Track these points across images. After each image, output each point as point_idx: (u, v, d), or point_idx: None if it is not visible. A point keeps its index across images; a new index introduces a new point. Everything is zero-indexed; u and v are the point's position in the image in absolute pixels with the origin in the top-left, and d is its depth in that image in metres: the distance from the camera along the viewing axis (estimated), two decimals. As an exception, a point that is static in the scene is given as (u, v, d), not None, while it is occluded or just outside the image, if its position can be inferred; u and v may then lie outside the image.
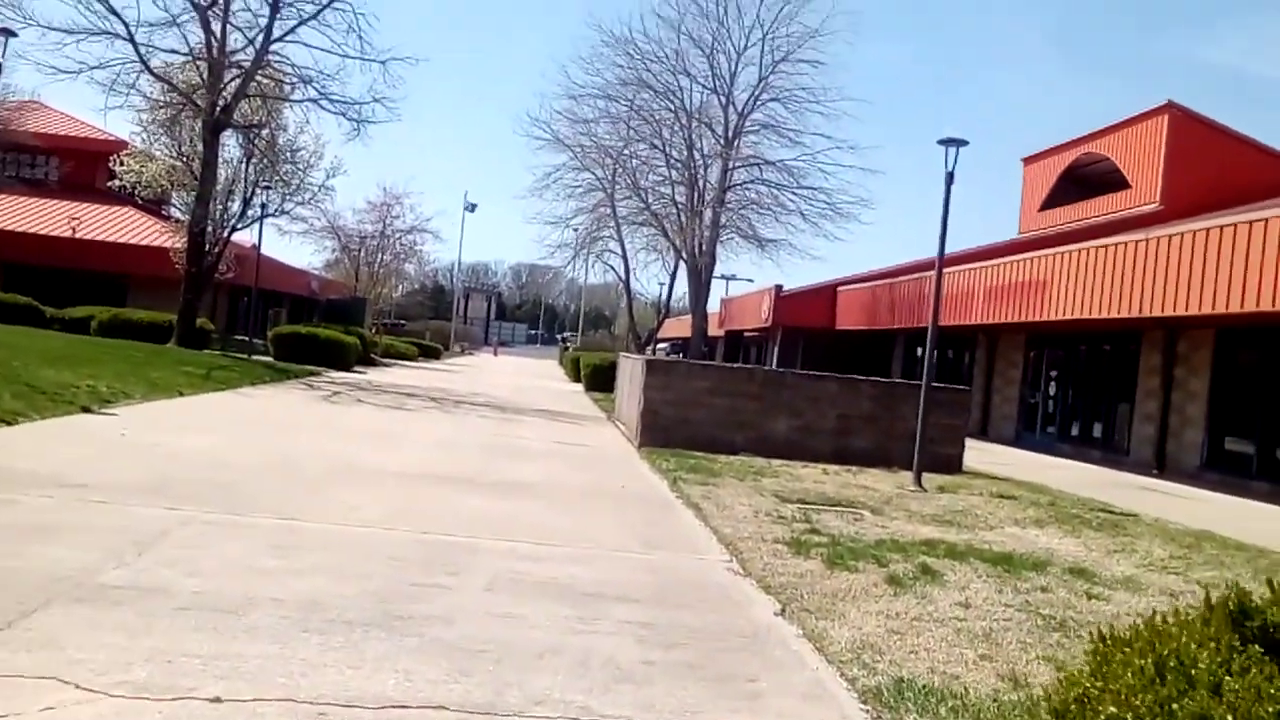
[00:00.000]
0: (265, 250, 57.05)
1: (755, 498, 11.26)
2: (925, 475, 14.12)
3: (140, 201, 33.12)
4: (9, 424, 11.04)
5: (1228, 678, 1.81)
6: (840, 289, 37.06)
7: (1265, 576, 8.85)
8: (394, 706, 4.04)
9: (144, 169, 32.47)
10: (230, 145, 34.22)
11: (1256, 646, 1.94)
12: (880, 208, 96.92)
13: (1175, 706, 1.76)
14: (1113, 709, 1.85)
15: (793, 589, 6.82)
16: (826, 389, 16.75)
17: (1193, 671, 1.83)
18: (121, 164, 33.57)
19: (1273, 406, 18.79)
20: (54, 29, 25.16)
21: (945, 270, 28.90)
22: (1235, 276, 16.29)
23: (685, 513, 10.11)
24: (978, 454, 18.39)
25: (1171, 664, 1.88)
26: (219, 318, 40.38)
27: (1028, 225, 36.92)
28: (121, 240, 41.35)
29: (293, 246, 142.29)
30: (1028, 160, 38.15)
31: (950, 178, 14.06)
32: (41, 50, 36.32)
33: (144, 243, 39.15)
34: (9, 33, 13.80)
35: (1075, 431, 25.33)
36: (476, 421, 18.23)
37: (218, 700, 3.90)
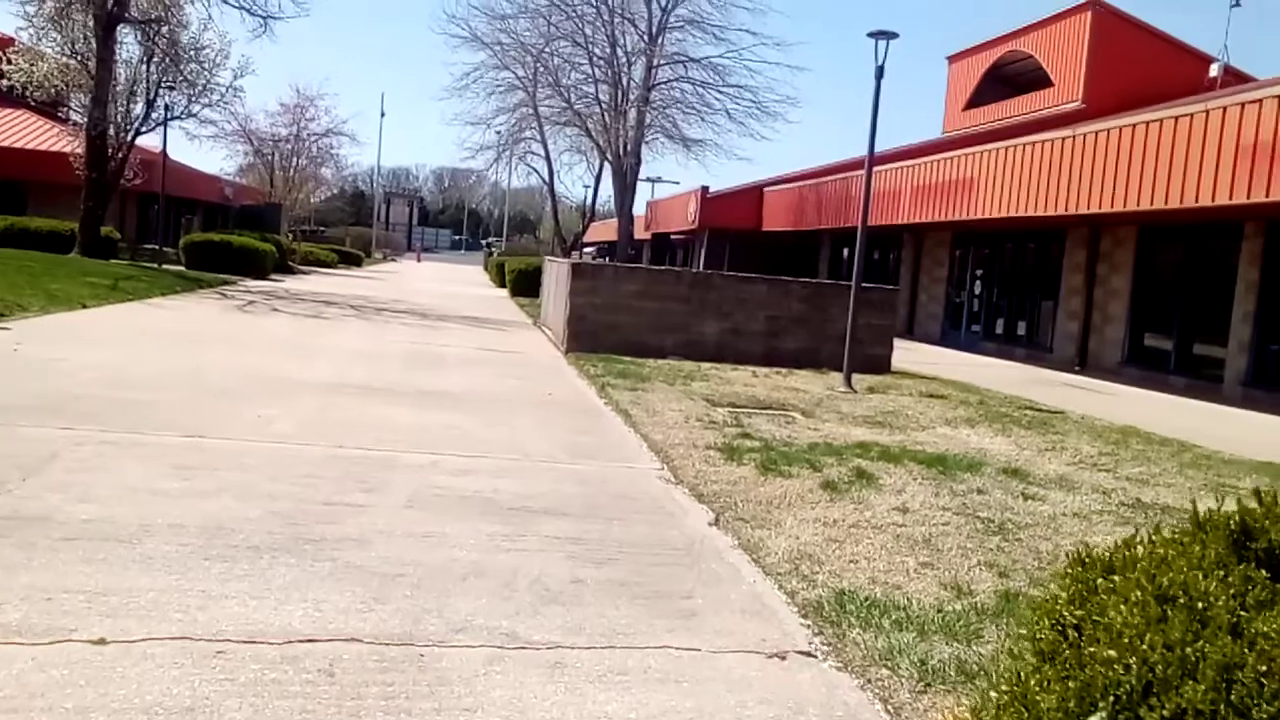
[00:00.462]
0: (176, 156, 55.09)
1: (685, 402, 11.05)
2: (855, 376, 14.04)
3: (33, 103, 31.23)
4: (-110, 341, 10.32)
5: (1243, 613, 1.57)
6: (767, 190, 36.73)
7: (1190, 471, 8.91)
8: (301, 640, 3.72)
9: (34, 68, 30.56)
10: (130, 44, 32.48)
11: (1263, 572, 1.70)
12: (808, 106, 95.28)
13: (1190, 652, 1.51)
14: (1111, 653, 1.60)
15: (726, 497, 6.61)
16: (755, 291, 16.52)
17: (1203, 607, 1.58)
18: (9, 62, 31.60)
19: (1191, 303, 19.06)
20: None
21: (873, 170, 28.74)
22: (1159, 174, 16.28)
23: (614, 420, 9.85)
24: (905, 353, 18.40)
25: (1178, 598, 1.63)
26: (128, 227, 38.80)
27: (952, 124, 36.77)
28: (16, 145, 39.27)
29: (204, 152, 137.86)
30: (952, 58, 37.82)
31: (880, 72, 13.70)
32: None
33: (41, 147, 37.19)
34: None
35: (1000, 330, 25.57)
36: (398, 330, 17.71)
37: (102, 642, 3.54)
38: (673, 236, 49.24)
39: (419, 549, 5.02)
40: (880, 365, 16.21)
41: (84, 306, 15.52)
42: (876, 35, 13.54)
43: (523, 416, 9.54)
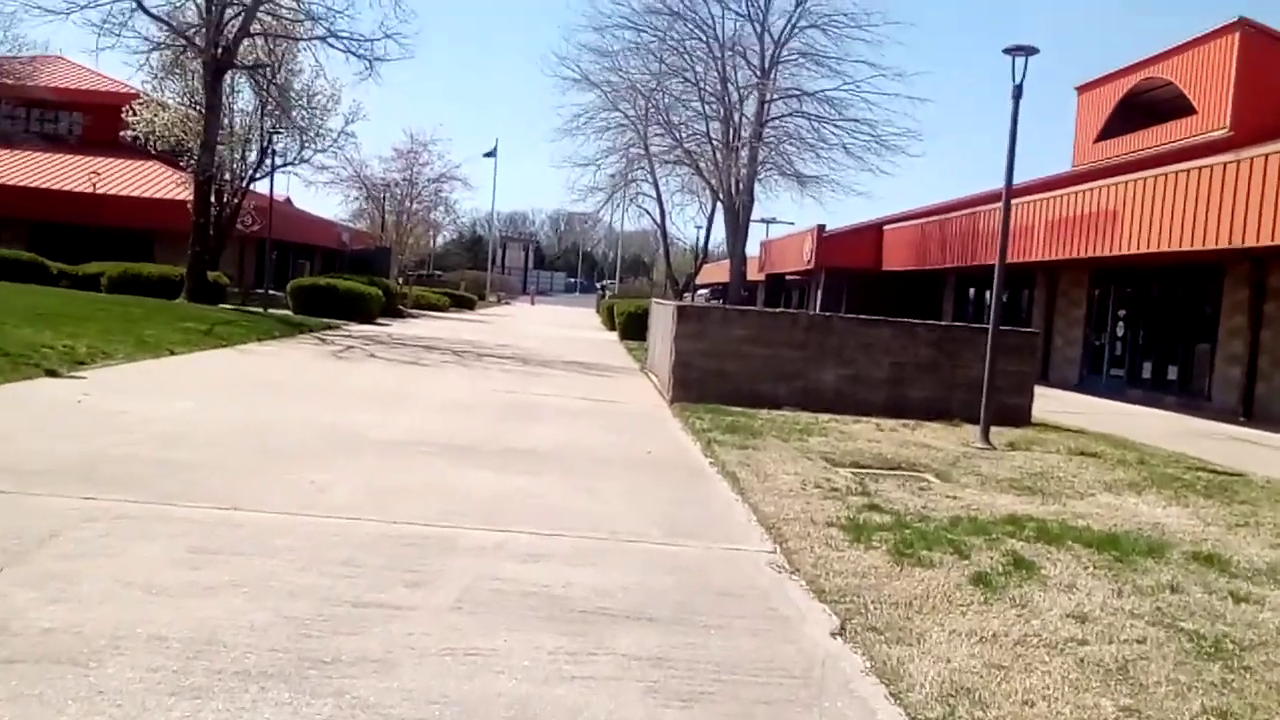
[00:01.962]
0: (298, 203, 56.24)
1: (801, 462, 9.75)
2: (992, 429, 12.52)
3: (155, 152, 31.78)
4: (-48, 392, 9.76)
5: None
6: (886, 227, 35.13)
7: None
8: None
9: (156, 118, 31.15)
10: (245, 93, 32.90)
11: None
12: (929, 139, 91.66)
13: None
14: None
15: (854, 595, 5.32)
16: (878, 334, 15.12)
17: None
18: (134, 114, 32.28)
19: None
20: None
21: (993, 206, 27.03)
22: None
23: (720, 484, 8.61)
24: (1042, 401, 16.68)
25: None
26: (246, 272, 39.28)
27: (1084, 157, 34.63)
28: (143, 195, 40.28)
29: (319, 197, 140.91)
30: (1082, 89, 35.72)
31: (1018, 91, 12.28)
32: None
33: (165, 196, 37.99)
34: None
35: (1146, 375, 23.46)
36: (496, 377, 16.80)
37: None
38: (787, 277, 47.85)
39: (455, 676, 3.88)
40: (1019, 416, 14.61)
41: (171, 353, 15.02)
42: (1014, 51, 12.15)
43: (615, 480, 8.39)
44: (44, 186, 41.40)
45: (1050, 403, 18.06)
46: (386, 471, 7.97)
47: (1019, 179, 34.17)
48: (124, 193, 40.76)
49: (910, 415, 14.44)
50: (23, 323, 14.79)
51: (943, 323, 16.87)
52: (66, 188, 41.10)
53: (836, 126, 31.70)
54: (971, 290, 32.35)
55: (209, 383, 12.66)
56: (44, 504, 5.99)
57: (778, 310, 19.81)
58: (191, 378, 12.88)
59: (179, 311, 20.55)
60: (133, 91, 36.70)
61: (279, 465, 7.81)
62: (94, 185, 40.12)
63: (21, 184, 41.37)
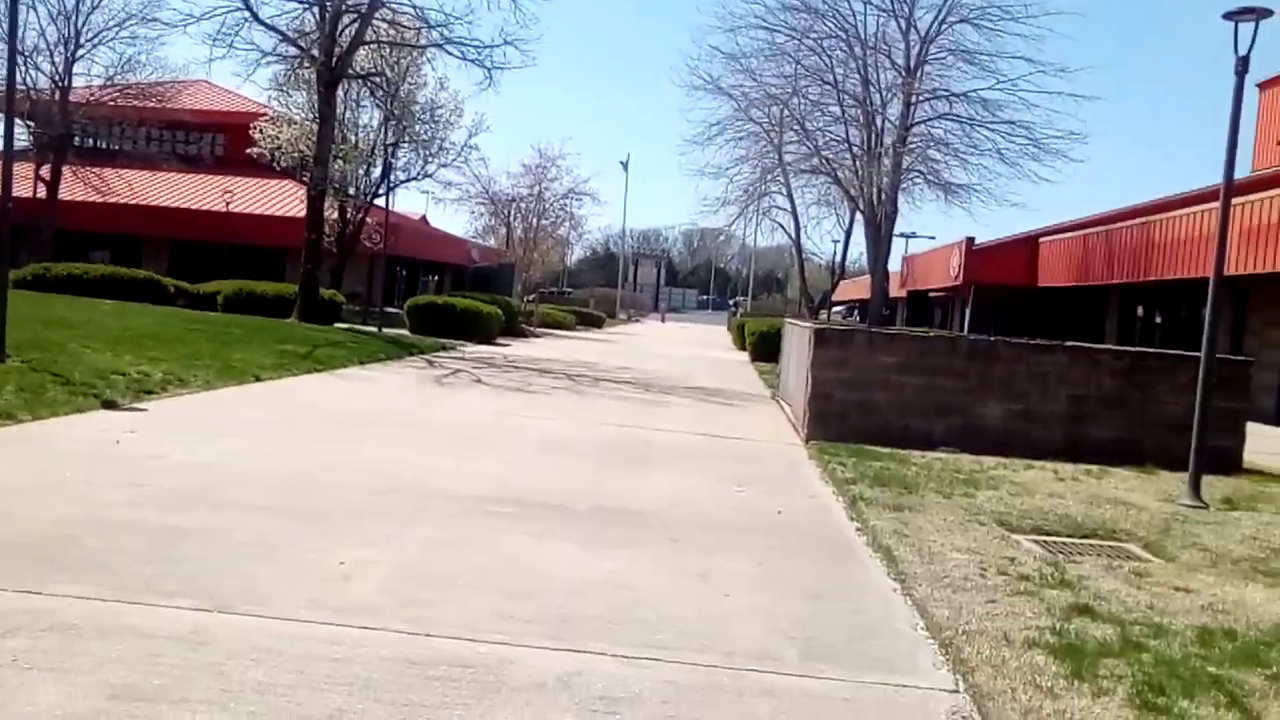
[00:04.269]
0: (434, 221, 56.15)
1: (972, 529, 7.72)
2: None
3: (279, 169, 31.40)
4: (-21, 429, 8.54)
5: None
6: (1043, 240, 32.28)
7: None
8: None
9: (280, 134, 30.75)
10: (369, 108, 32.34)
11: None
12: (1095, 141, 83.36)
13: None
14: None
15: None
16: (1054, 362, 12.84)
17: None
18: (260, 131, 32.01)
19: None
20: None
21: (1177, 212, 24.08)
22: None
23: (872, 566, 6.65)
24: (1251, 442, 14.07)
25: None
26: (374, 289, 38.70)
27: (1266, 160, 31.14)
28: (272, 212, 40.34)
29: (449, 214, 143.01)
30: (1264, 85, 32.19)
31: (1243, 64, 9.94)
32: (137, 1, 35.44)
33: (293, 214, 37.81)
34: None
35: (1361, 406, 20.31)
36: (609, 406, 15.10)
37: None
38: (931, 294, 45.09)
39: None
40: (1227, 462, 12.16)
41: (256, 379, 13.79)
42: (1237, 15, 9.84)
43: (735, 557, 6.52)
44: (182, 206, 41.96)
45: (1251, 439, 15.36)
46: (443, 544, 6.29)
47: (1185, 184, 30.81)
48: (255, 211, 40.93)
49: (1092, 458, 12.13)
50: (106, 346, 13.79)
51: (1132, 349, 14.40)
52: (202, 207, 41.55)
53: (989, 129, 29.06)
54: (1140, 308, 29.28)
55: (280, 416, 11.29)
56: (-43, 606, 4.48)
57: (932, 334, 17.58)
58: (262, 410, 11.53)
59: (283, 332, 19.53)
60: (265, 110, 36.70)
61: (310, 534, 6.20)
62: (227, 204, 40.33)
63: (162, 204, 42.01)
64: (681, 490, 8.79)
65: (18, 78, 37.79)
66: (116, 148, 43.47)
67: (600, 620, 5.02)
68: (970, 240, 33.73)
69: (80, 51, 38.98)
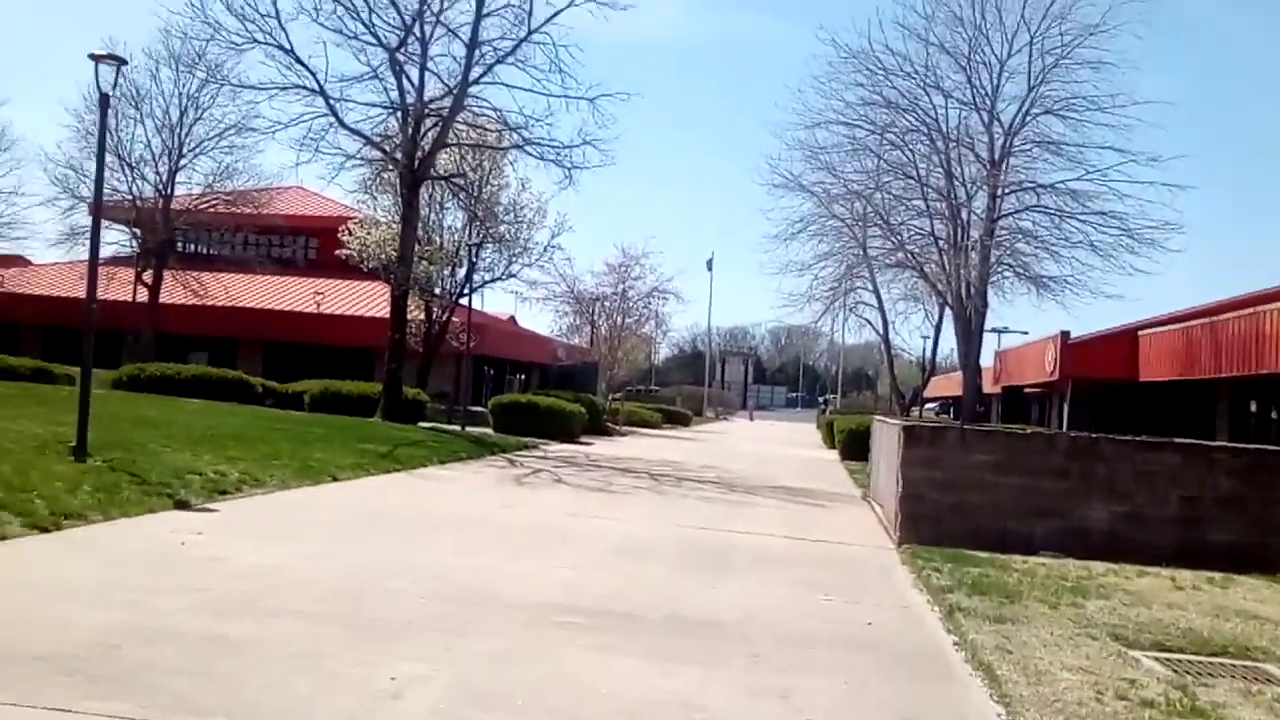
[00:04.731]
0: (521, 321, 56.77)
1: (1084, 644, 7.03)
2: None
3: (365, 270, 31.99)
4: (45, 531, 8.41)
5: None
6: (1142, 333, 31.09)
7: None
8: None
9: (368, 236, 31.38)
10: (454, 210, 32.90)
11: None
12: (1192, 232, 78.83)
13: None
14: None
15: None
16: (1163, 461, 12.02)
17: None
18: (349, 234, 32.74)
19: None
20: (246, 86, 24.28)
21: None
22: None
23: (972, 688, 6.02)
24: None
25: None
26: (462, 388, 38.98)
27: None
28: (361, 313, 41.08)
29: (533, 313, 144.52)
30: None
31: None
32: (235, 113, 36.91)
33: (382, 315, 38.44)
34: (120, 60, 11.58)
35: None
36: (692, 507, 14.60)
37: None
38: (1026, 390, 43.77)
39: None
40: (1363, 568, 11.12)
41: (333, 479, 13.64)
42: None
43: (818, 676, 5.96)
44: (275, 308, 43.06)
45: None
46: (503, 658, 5.86)
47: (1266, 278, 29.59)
48: (343, 312, 41.75)
49: (1210, 564, 11.21)
50: (187, 446, 13.80)
51: (1251, 446, 13.47)
52: (294, 309, 42.58)
53: (1080, 221, 28.22)
54: (1254, 403, 27.87)
55: (351, 517, 11.03)
56: (-25, 726, 4.20)
57: (1030, 431, 16.80)
58: (334, 511, 11.30)
59: (365, 431, 19.51)
60: (354, 213, 37.65)
61: (363, 646, 5.83)
62: (317, 305, 41.25)
63: (257, 306, 43.16)
64: (763, 598, 8.24)
65: (126, 188, 39.95)
66: (214, 252, 45.01)
67: (667, 750, 4.53)
68: (1065, 334, 32.68)
69: (183, 161, 40.68)
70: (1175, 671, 6.57)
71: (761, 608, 7.85)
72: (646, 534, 11.47)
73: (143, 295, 39.19)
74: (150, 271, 39.42)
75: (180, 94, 39.73)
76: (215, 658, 5.35)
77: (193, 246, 45.50)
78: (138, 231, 41.27)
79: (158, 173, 40.58)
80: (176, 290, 40.91)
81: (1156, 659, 6.93)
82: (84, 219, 42.30)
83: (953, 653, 6.84)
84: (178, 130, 40.37)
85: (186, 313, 40.90)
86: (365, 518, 11.17)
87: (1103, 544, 11.64)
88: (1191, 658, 7.09)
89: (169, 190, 40.58)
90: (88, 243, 41.88)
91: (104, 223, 43.28)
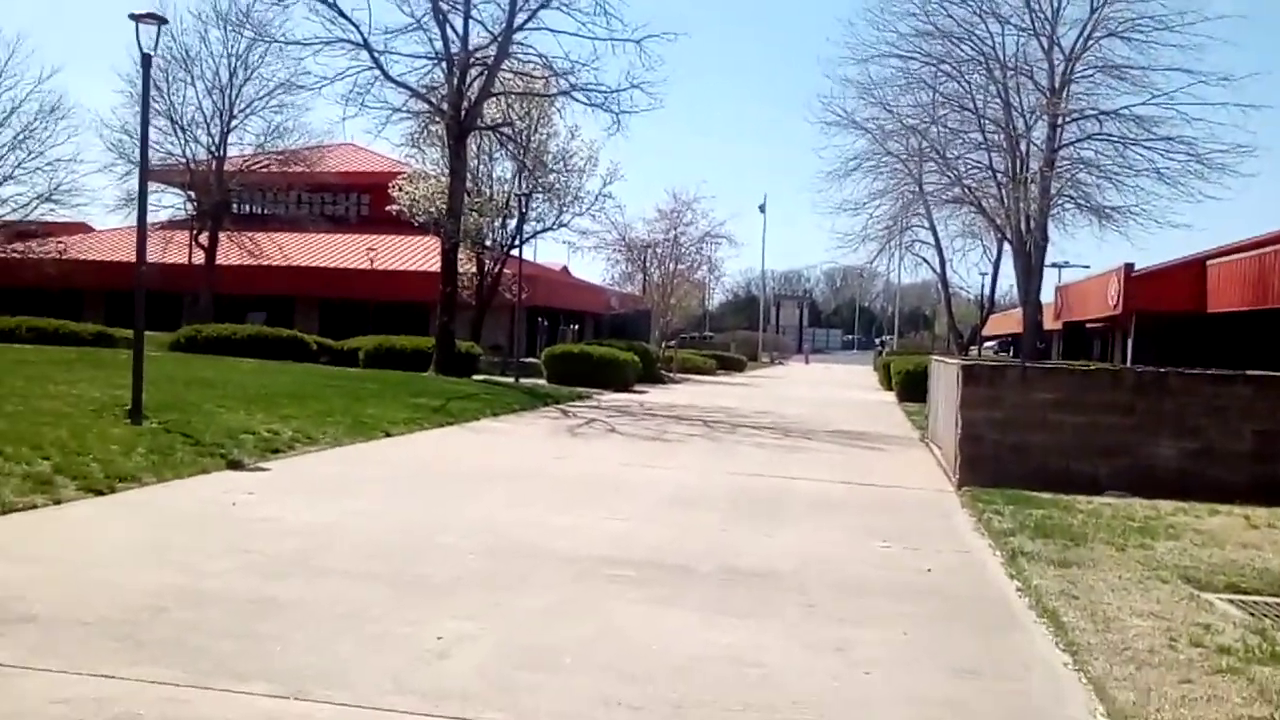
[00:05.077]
0: (574, 271, 56.66)
1: (1154, 588, 6.77)
2: None
3: (416, 224, 31.95)
4: (101, 494, 8.47)
5: None
6: (1212, 263, 30.08)
7: None
8: None
9: (417, 190, 31.29)
10: (504, 161, 32.65)
11: None
12: (1266, 155, 73.72)
13: None
14: None
15: None
16: (1236, 394, 11.60)
17: None
18: (399, 189, 32.68)
19: None
20: (291, 42, 24.21)
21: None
22: None
23: (1036, 635, 5.82)
24: None
25: None
26: (517, 340, 39.14)
27: None
28: (413, 268, 41.19)
29: (585, 262, 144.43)
30: None
31: None
32: (283, 71, 36.91)
33: (435, 269, 38.48)
34: (160, 19, 11.48)
35: None
36: (746, 454, 14.43)
37: None
38: (1088, 325, 42.79)
39: None
40: None
41: (386, 434, 13.65)
42: None
43: (876, 629, 5.78)
44: (330, 266, 43.35)
45: None
46: (552, 614, 5.75)
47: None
48: (396, 267, 41.91)
49: (1286, 501, 10.82)
50: (241, 405, 13.89)
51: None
52: (348, 266, 42.84)
53: (1145, 148, 27.22)
54: (1328, 331, 26.90)
55: (403, 473, 11.02)
56: (29, 687, 4.18)
57: (1093, 366, 16.36)
58: (386, 467, 11.28)
59: (419, 386, 19.56)
60: (404, 168, 37.61)
61: (410, 603, 5.76)
62: (371, 262, 41.46)
63: (311, 265, 43.49)
64: (818, 546, 8.06)
65: (179, 151, 40.29)
66: (268, 212, 45.33)
67: (718, 708, 4.39)
68: (1129, 266, 31.74)
69: (234, 122, 40.87)
70: (1252, 615, 6.30)
71: (817, 556, 7.67)
72: (700, 482, 11.32)
73: (199, 258, 39.67)
74: (206, 234, 39.85)
75: (229, 54, 39.90)
76: (261, 619, 5.30)
77: (247, 207, 45.87)
78: (192, 194, 41.65)
79: (210, 134, 40.83)
80: (233, 251, 41.30)
81: (1231, 601, 6.66)
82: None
83: (1016, 599, 6.62)
84: (228, 91, 40.54)
85: (243, 273, 41.30)
86: (417, 473, 11.15)
87: (1171, 482, 11.28)
88: (1270, 599, 6.81)
89: (222, 152, 40.83)
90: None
91: (160, 186, 44.00)
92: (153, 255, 41.36)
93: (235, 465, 10.36)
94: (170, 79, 40.50)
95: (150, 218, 44.24)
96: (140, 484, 8.99)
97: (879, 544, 8.28)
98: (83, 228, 51.34)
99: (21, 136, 44.67)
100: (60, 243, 43.29)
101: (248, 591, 5.82)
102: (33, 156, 44.71)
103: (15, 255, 43.94)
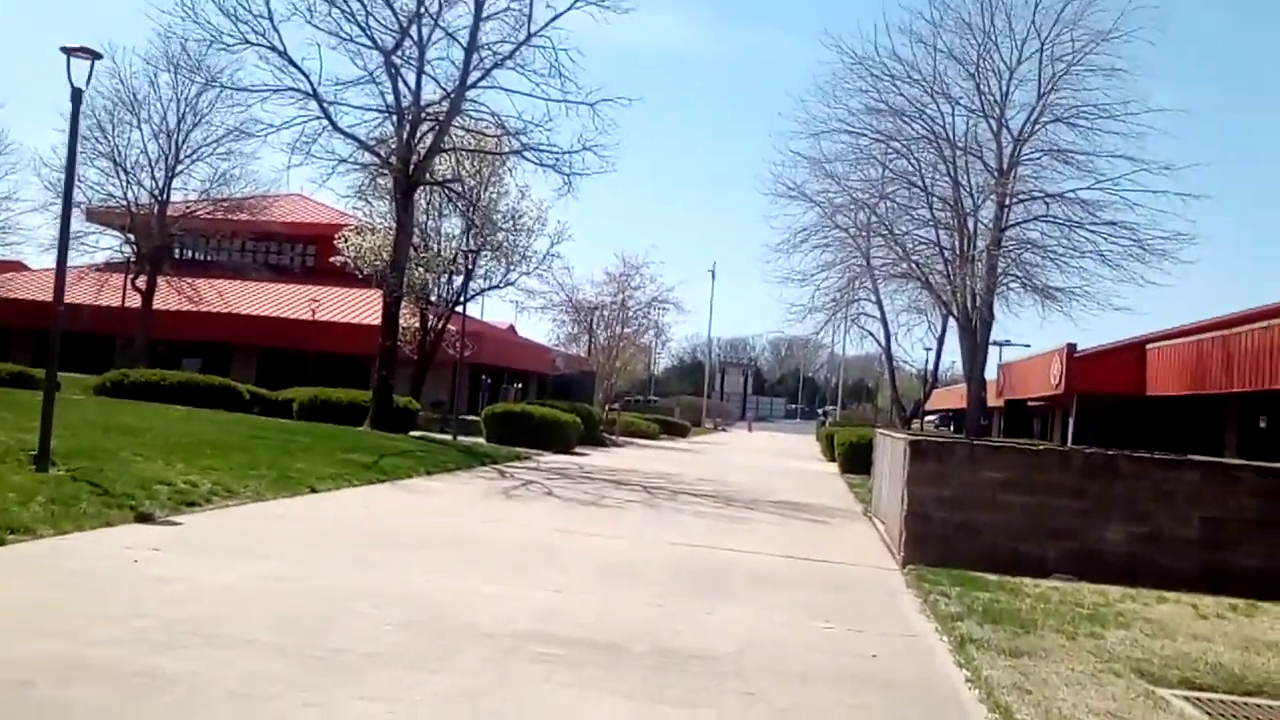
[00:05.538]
0: (521, 330, 56.18)
1: (1108, 682, 6.45)
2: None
3: (361, 276, 31.39)
4: (-9, 546, 7.83)
5: None
6: (1150, 346, 30.53)
7: None
8: None
9: (363, 242, 30.83)
10: (453, 217, 32.30)
11: None
12: (1206, 241, 76.52)
13: None
14: None
15: None
16: (1183, 479, 11.42)
17: None
18: (344, 240, 32.19)
19: None
20: (239, 89, 23.85)
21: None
22: None
23: (989, 734, 5.44)
24: None
25: None
26: (459, 397, 38.45)
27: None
28: (356, 321, 40.49)
29: (531, 322, 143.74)
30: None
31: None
32: (232, 118, 36.50)
33: (377, 322, 37.80)
34: (94, 54, 11.02)
35: None
36: (686, 523, 14.01)
37: None
38: (1029, 403, 43.19)
39: None
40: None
41: (312, 490, 13.04)
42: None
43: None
44: (271, 315, 42.50)
45: None
46: (466, 699, 5.26)
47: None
48: (338, 319, 41.18)
49: (1235, 590, 10.60)
50: (160, 454, 13.22)
51: (1276, 465, 12.83)
52: (289, 316, 42.02)
53: (1089, 231, 27.63)
54: (1263, 419, 27.27)
55: (324, 532, 10.43)
56: None
57: (1043, 447, 16.22)
58: (306, 526, 10.69)
59: (351, 440, 18.92)
60: (351, 220, 37.05)
61: (315, 682, 5.23)
62: (313, 313, 40.70)
63: (252, 313, 42.61)
64: (759, 626, 7.64)
65: (121, 193, 39.47)
66: (210, 259, 44.51)
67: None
68: (1072, 347, 32.11)
69: (180, 167, 40.18)
70: (1209, 715, 6.00)
71: (758, 637, 7.25)
72: (637, 553, 10.87)
73: (136, 301, 38.70)
74: (144, 277, 38.92)
75: (179, 99, 39.35)
76: (142, 698, 4.76)
77: (189, 253, 45.03)
78: (132, 236, 40.75)
79: (154, 178, 40.13)
80: (171, 297, 40.42)
81: (1187, 699, 6.35)
82: (77, 223, 41.85)
83: (966, 691, 6.25)
84: (175, 135, 39.92)
85: (181, 319, 40.36)
86: (339, 533, 10.57)
87: (1119, 567, 11.04)
88: (1224, 697, 6.52)
89: (165, 196, 40.11)
90: (82, 246, 41.31)
91: (99, 227, 43.08)
92: (87, 296, 40.51)
93: (144, 518, 9.72)
94: (116, 120, 39.81)
95: (86, 259, 42.96)
96: (34, 536, 8.34)
97: (822, 624, 7.88)
98: (17, 266, 50.09)
99: (-44, 173, 43.73)
100: (-12, 279, 42.16)
101: (133, 664, 5.26)
102: (-33, 193, 43.79)
103: (-56, 291, 42.71)
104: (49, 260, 45.45)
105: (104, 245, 43.63)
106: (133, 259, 40.62)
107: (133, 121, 39.85)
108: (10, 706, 4.52)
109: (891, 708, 5.78)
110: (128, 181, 40.15)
